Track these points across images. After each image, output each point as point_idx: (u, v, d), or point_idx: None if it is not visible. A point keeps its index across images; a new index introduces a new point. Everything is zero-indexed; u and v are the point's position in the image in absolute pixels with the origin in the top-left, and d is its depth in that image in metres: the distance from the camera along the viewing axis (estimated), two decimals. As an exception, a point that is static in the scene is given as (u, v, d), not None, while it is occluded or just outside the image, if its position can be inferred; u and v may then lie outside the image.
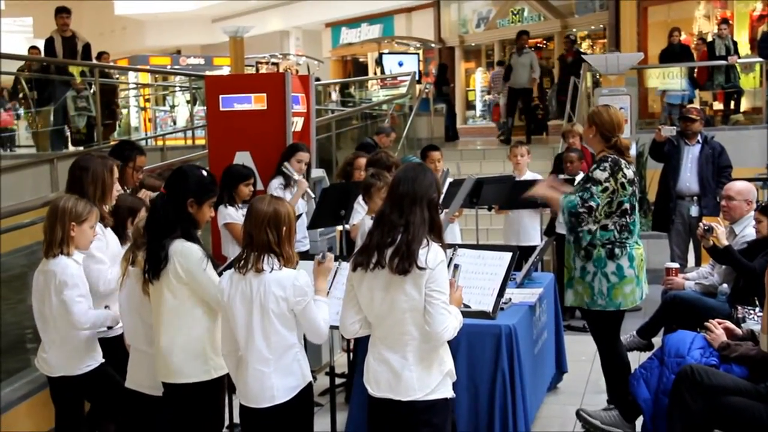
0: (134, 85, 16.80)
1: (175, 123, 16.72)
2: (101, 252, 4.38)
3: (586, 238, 4.88)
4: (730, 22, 14.47)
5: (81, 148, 10.78)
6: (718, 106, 13.67)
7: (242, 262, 3.61)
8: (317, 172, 7.16)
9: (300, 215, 5.93)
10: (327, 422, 4.85)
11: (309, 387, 3.71)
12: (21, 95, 11.95)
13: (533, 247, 6.78)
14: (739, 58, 12.80)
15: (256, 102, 6.63)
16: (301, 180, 6.19)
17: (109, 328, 4.29)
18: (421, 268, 3.31)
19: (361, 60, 26.04)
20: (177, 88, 17.11)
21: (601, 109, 5.04)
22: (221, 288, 3.65)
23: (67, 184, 4.55)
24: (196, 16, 26.96)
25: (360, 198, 6.03)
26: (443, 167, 7.17)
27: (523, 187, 7.30)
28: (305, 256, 4.35)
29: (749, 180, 6.69)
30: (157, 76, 17.56)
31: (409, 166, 3.62)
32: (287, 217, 3.63)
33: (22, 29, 26.39)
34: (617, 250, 4.86)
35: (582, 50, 17.78)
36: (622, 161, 4.86)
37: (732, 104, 13.16)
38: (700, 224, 5.76)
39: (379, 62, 21.62)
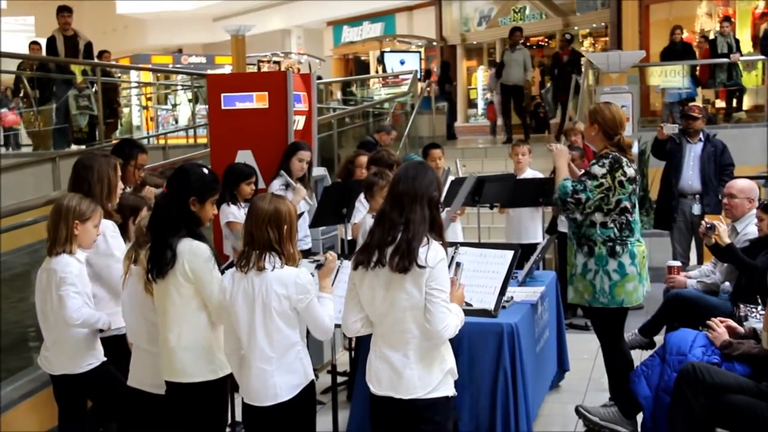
0: (136, 84, 16.81)
1: (176, 122, 16.73)
2: (120, 251, 4.37)
3: (588, 231, 4.88)
4: (732, 19, 14.48)
5: (83, 147, 10.79)
6: (720, 104, 13.67)
7: (244, 260, 3.61)
8: (319, 171, 7.16)
9: (301, 214, 5.94)
10: (329, 420, 4.86)
11: (311, 385, 3.71)
12: (22, 94, 11.94)
13: (535, 245, 6.78)
14: (741, 56, 12.79)
15: (257, 100, 6.63)
16: (299, 187, 6.18)
17: (101, 331, 4.29)
18: (421, 267, 3.31)
19: (362, 58, 26.03)
20: (179, 87, 17.11)
21: (602, 107, 5.03)
22: (223, 287, 3.65)
23: (71, 182, 4.55)
24: (197, 14, 26.97)
25: (362, 196, 6.03)
26: (444, 165, 7.16)
27: (525, 186, 7.34)
28: (308, 254, 4.36)
29: (751, 178, 6.69)
30: (158, 74, 17.56)
31: (409, 165, 3.62)
32: (288, 216, 3.63)
33: (23, 28, 26.40)
34: (618, 248, 4.85)
35: (578, 49, 17.77)
36: (624, 159, 4.86)
37: (734, 102, 13.15)
38: (702, 222, 5.76)
39: (380, 61, 21.62)
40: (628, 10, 14.87)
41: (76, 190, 4.42)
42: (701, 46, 13.92)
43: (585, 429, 5.15)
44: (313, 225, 6.31)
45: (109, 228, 4.43)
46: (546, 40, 20.53)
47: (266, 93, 6.59)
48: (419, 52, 22.57)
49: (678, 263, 6.42)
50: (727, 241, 5.55)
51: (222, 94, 6.68)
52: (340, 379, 5.68)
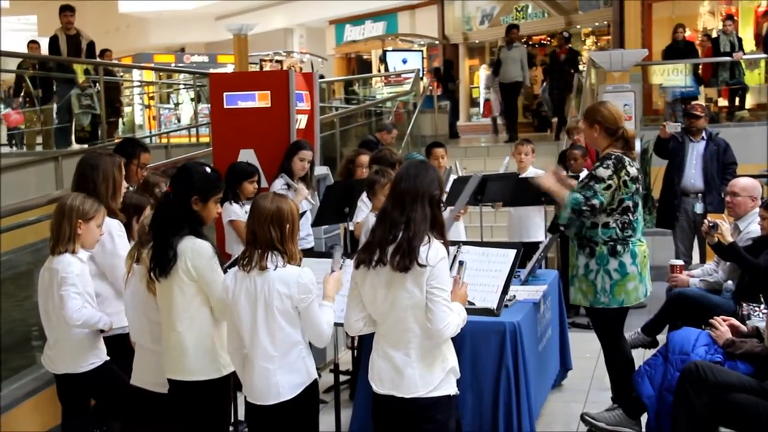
0: (138, 83, 16.82)
1: (179, 121, 16.73)
2: (126, 251, 4.37)
3: (574, 229, 4.88)
4: (735, 18, 14.45)
5: (86, 146, 10.80)
6: (722, 102, 13.66)
7: (246, 259, 3.61)
8: (321, 170, 7.16)
9: (304, 213, 5.94)
10: (332, 419, 4.86)
11: (314, 384, 3.71)
12: (23, 93, 11.93)
13: (537, 244, 6.77)
14: (744, 54, 12.78)
15: (260, 99, 6.63)
16: (300, 187, 6.18)
17: (102, 331, 4.29)
18: (421, 266, 3.31)
19: (364, 57, 26.03)
20: (181, 86, 17.12)
21: (597, 107, 5.05)
22: (226, 285, 3.65)
23: (75, 181, 4.55)
24: (199, 13, 26.96)
25: (364, 195, 6.03)
26: (447, 164, 7.16)
27: (527, 184, 7.32)
28: (309, 253, 4.36)
29: (754, 177, 6.68)
30: (161, 73, 17.56)
31: (411, 164, 3.62)
32: (290, 215, 3.63)
33: (26, 27, 26.41)
34: (619, 247, 4.85)
35: (581, 47, 17.76)
36: (626, 159, 4.85)
37: (737, 101, 13.14)
38: (705, 221, 5.76)
39: (382, 59, 21.61)
40: (631, 9, 14.85)
41: (81, 189, 4.42)
42: (704, 44, 13.91)
43: (587, 429, 5.14)
44: (315, 224, 6.31)
45: (115, 227, 4.44)
46: (548, 38, 20.51)
47: (268, 92, 6.60)
48: (421, 51, 22.56)
49: (681, 262, 6.42)
50: (730, 239, 5.55)
51: (224, 93, 6.68)
52: (342, 378, 5.68)
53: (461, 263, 3.75)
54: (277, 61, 21.97)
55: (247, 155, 6.47)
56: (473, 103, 22.39)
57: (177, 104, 17.06)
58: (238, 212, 5.77)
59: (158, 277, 3.76)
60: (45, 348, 4.39)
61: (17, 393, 5.02)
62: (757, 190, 6.00)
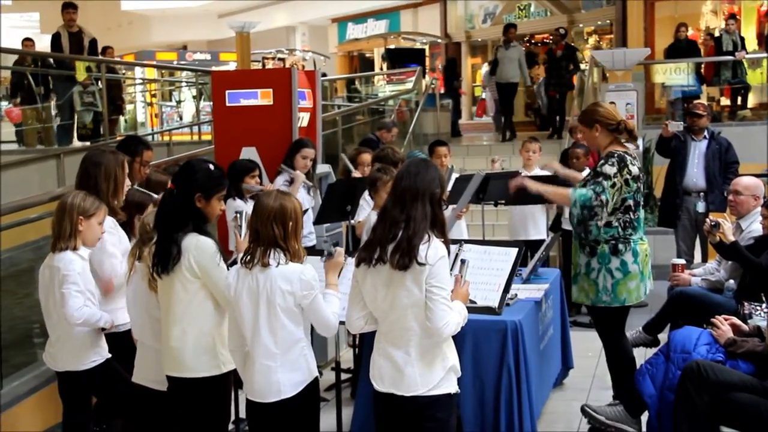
0: (140, 81, 16.83)
1: (181, 118, 16.74)
2: (115, 246, 4.38)
3: (595, 233, 4.86)
4: (738, 17, 14.44)
5: (88, 143, 10.81)
6: (725, 101, 13.64)
7: (249, 256, 3.61)
8: (323, 168, 7.17)
9: (306, 210, 5.94)
10: (333, 417, 4.86)
11: (315, 382, 3.71)
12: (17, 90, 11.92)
13: (539, 242, 6.77)
14: (747, 53, 12.77)
15: (262, 97, 6.64)
16: (296, 174, 6.19)
17: (103, 329, 4.29)
18: (421, 264, 3.31)
19: (367, 55, 26.03)
20: (183, 84, 17.13)
21: (593, 108, 5.08)
22: (228, 283, 3.66)
23: (78, 178, 4.55)
24: (202, 11, 26.98)
25: (366, 194, 6.03)
26: (449, 163, 7.15)
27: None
28: (312, 251, 4.36)
29: (757, 176, 6.67)
30: (163, 71, 17.57)
31: (412, 162, 3.62)
32: (293, 212, 3.63)
33: (28, 24, 26.42)
34: (621, 246, 4.84)
35: (583, 46, 17.71)
36: (628, 157, 4.84)
37: (739, 100, 13.13)
38: (707, 220, 5.74)
39: (385, 58, 21.61)
40: (634, 8, 14.83)
41: (83, 186, 4.42)
42: (706, 43, 13.90)
43: (589, 427, 5.15)
44: (317, 222, 6.31)
45: (108, 223, 4.44)
46: (551, 37, 20.50)
47: (271, 90, 6.60)
48: (424, 49, 22.55)
49: (682, 261, 6.41)
50: (732, 238, 5.54)
51: (226, 91, 6.68)
52: (344, 376, 5.69)
53: (463, 261, 3.74)
54: (279, 59, 21.98)
55: (249, 153, 6.48)
56: (476, 101, 22.38)
57: (179, 102, 17.08)
58: (242, 208, 5.76)
59: (160, 273, 3.77)
60: (47, 345, 4.39)
61: (18, 390, 5.02)
62: (760, 189, 5.99)
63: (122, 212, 4.54)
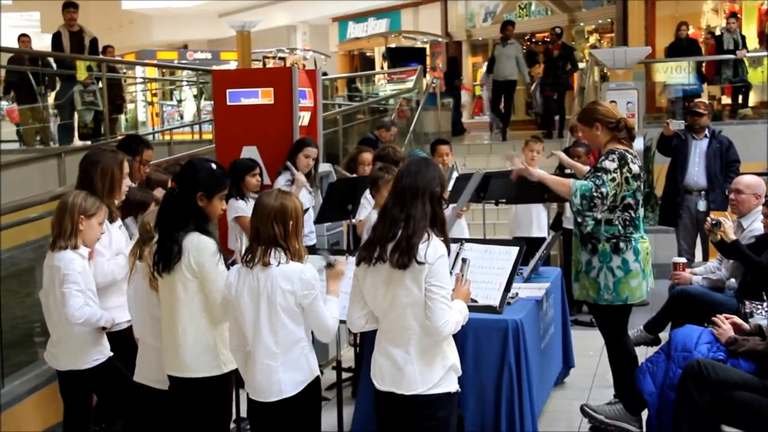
0: (141, 80, 16.83)
1: (182, 117, 16.73)
2: (101, 245, 4.38)
3: (592, 226, 4.84)
4: (739, 16, 14.43)
5: (88, 143, 10.81)
6: (726, 100, 13.63)
7: (249, 256, 3.61)
8: (324, 167, 7.17)
9: (307, 209, 5.94)
10: (334, 416, 4.86)
11: (316, 381, 3.71)
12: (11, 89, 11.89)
13: (540, 239, 6.77)
14: (748, 52, 12.76)
15: (263, 96, 6.64)
16: (297, 176, 6.18)
17: (104, 329, 4.29)
18: (420, 263, 3.31)
19: (368, 54, 26.02)
20: (184, 83, 17.12)
21: (592, 107, 5.08)
22: (229, 282, 3.65)
23: (78, 178, 4.55)
24: (202, 10, 26.97)
25: (367, 193, 6.03)
26: (450, 162, 7.14)
27: (531, 182, 7.30)
28: (312, 250, 4.36)
29: (758, 174, 6.67)
30: (164, 70, 17.56)
31: (412, 161, 3.62)
32: (294, 212, 3.63)
33: (29, 24, 26.41)
34: (622, 244, 4.84)
35: (585, 44, 17.68)
36: (628, 155, 4.85)
37: (740, 99, 13.12)
38: (708, 219, 5.75)
39: (386, 57, 21.60)
40: (634, 6, 14.81)
41: (83, 186, 4.42)
42: (707, 42, 13.90)
43: (590, 426, 5.15)
44: (318, 221, 6.31)
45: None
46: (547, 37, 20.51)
47: (271, 89, 6.61)
48: (424, 48, 22.54)
49: (683, 260, 6.41)
50: (733, 237, 5.54)
51: (227, 90, 6.69)
52: (345, 375, 5.69)
53: (464, 260, 3.74)
54: (280, 58, 21.97)
55: (250, 152, 6.48)
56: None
57: (180, 101, 17.07)
58: (243, 208, 5.77)
59: (161, 272, 3.76)
60: (48, 345, 4.39)
61: (19, 390, 5.02)
62: (761, 188, 5.99)
63: (117, 212, 4.53)
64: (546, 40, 20.15)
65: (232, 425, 4.53)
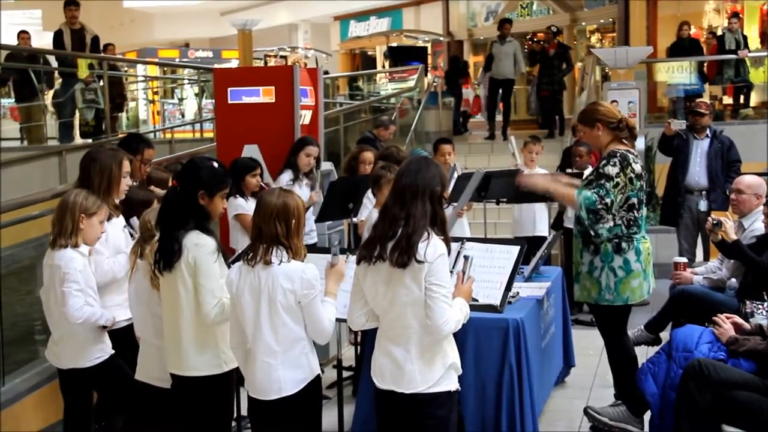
0: (143, 78, 16.83)
1: (183, 116, 16.74)
2: (100, 243, 4.38)
3: (605, 234, 4.84)
4: (741, 16, 14.42)
5: (90, 141, 10.82)
6: (727, 100, 13.62)
7: (251, 254, 3.61)
8: (325, 166, 7.17)
9: (308, 208, 5.94)
10: (334, 415, 4.86)
11: (317, 380, 3.71)
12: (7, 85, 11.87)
13: (541, 238, 6.76)
14: (749, 52, 12.75)
15: (264, 95, 6.64)
16: (313, 197, 6.20)
17: (104, 327, 4.29)
18: (419, 262, 3.31)
19: (369, 53, 26.02)
20: (185, 81, 17.12)
21: (592, 107, 5.08)
22: (230, 280, 3.65)
23: (79, 175, 4.55)
24: (204, 9, 26.96)
25: (369, 192, 6.03)
26: (452, 161, 7.14)
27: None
28: (313, 249, 4.36)
29: (759, 175, 6.66)
30: (165, 68, 17.56)
31: (413, 159, 3.62)
32: (296, 210, 3.63)
33: (31, 21, 26.41)
34: (624, 245, 4.84)
35: (579, 44, 17.63)
36: (630, 156, 4.84)
37: (741, 98, 13.11)
38: (709, 218, 5.74)
39: (387, 55, 21.59)
40: (636, 6, 14.83)
41: (82, 182, 4.43)
42: (709, 42, 13.88)
43: (590, 426, 5.15)
44: (319, 219, 6.31)
45: None
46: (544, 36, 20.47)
47: (273, 87, 6.61)
48: (426, 47, 22.53)
49: (684, 259, 6.41)
50: (734, 237, 5.54)
51: (229, 89, 6.69)
52: (345, 373, 5.69)
53: (467, 258, 3.72)
54: (281, 57, 21.97)
55: (251, 150, 6.48)
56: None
57: (181, 99, 17.08)
58: (244, 206, 5.77)
59: (162, 271, 3.77)
60: (49, 343, 4.39)
61: (20, 388, 5.03)
62: (762, 188, 5.98)
63: (115, 210, 4.53)
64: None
65: (233, 424, 4.53)
